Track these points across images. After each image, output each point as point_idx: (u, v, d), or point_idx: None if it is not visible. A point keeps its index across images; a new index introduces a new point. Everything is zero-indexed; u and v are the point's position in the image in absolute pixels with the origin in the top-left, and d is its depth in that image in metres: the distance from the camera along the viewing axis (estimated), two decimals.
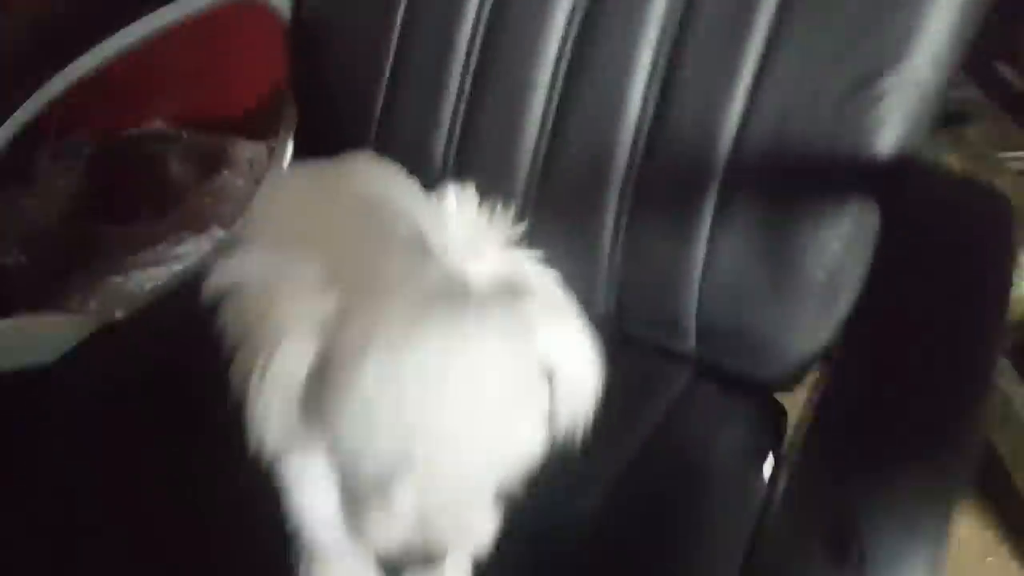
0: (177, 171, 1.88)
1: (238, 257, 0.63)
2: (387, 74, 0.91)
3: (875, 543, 0.47)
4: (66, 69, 0.81)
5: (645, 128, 0.81)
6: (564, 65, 0.84)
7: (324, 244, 0.60)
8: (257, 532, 0.67)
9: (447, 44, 0.87)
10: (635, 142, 0.82)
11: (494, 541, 0.56)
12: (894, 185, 0.70)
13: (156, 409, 0.77)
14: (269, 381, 0.52)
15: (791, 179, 0.78)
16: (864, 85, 0.72)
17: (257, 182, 1.61)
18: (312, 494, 0.63)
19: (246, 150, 1.88)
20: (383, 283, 0.53)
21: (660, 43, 0.79)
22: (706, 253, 0.82)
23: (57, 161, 1.81)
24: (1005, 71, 1.40)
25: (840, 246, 0.77)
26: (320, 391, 0.52)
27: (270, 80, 1.93)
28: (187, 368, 0.76)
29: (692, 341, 0.88)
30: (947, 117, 1.41)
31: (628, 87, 0.81)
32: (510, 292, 0.55)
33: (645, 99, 0.81)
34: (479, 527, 0.55)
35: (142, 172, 1.84)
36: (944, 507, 0.48)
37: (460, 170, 0.87)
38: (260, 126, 1.82)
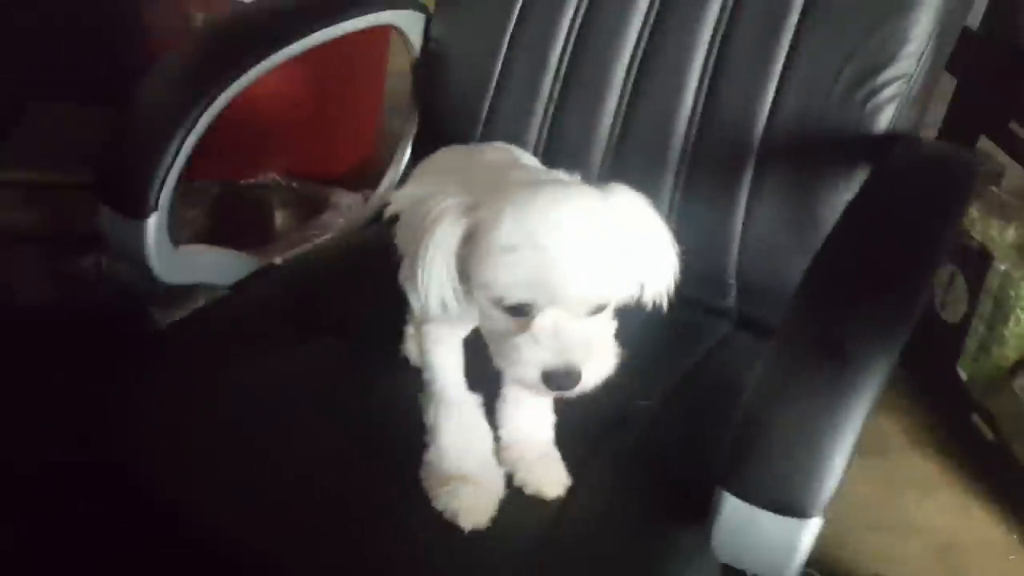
0: (283, 213, 2.12)
1: (404, 189, 0.85)
2: (493, 85, 1.15)
3: (852, 349, 0.66)
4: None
5: (697, 117, 1.05)
6: (634, 69, 1.08)
7: (463, 181, 0.81)
8: (385, 403, 0.88)
9: (542, 59, 1.12)
10: (688, 129, 1.05)
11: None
12: (886, 152, 0.92)
13: (296, 324, 0.99)
14: (431, 250, 0.69)
15: (810, 155, 0.99)
16: (867, 78, 0.95)
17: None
18: (444, 353, 0.84)
19: (345, 197, 2.10)
20: (509, 187, 0.71)
21: (710, 47, 1.04)
22: (744, 219, 1.03)
23: (187, 198, 2.06)
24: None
25: None
26: (470, 254, 0.68)
27: (368, 141, 2.21)
28: (328, 299, 1.00)
29: (733, 297, 1.08)
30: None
31: (684, 85, 1.05)
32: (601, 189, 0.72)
33: (697, 93, 1.05)
34: (603, 354, 0.68)
35: (253, 212, 2.08)
36: (898, 329, 0.68)
37: (548, 158, 1.10)
38: (358, 179, 2.08)
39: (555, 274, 0.65)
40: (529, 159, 0.96)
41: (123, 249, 0.94)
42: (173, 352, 0.96)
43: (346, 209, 2.08)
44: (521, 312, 0.67)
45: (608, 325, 0.71)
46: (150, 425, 0.87)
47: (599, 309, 0.68)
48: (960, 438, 1.65)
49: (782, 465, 0.64)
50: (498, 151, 0.96)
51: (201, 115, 0.92)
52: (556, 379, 0.66)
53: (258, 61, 0.97)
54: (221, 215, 2.03)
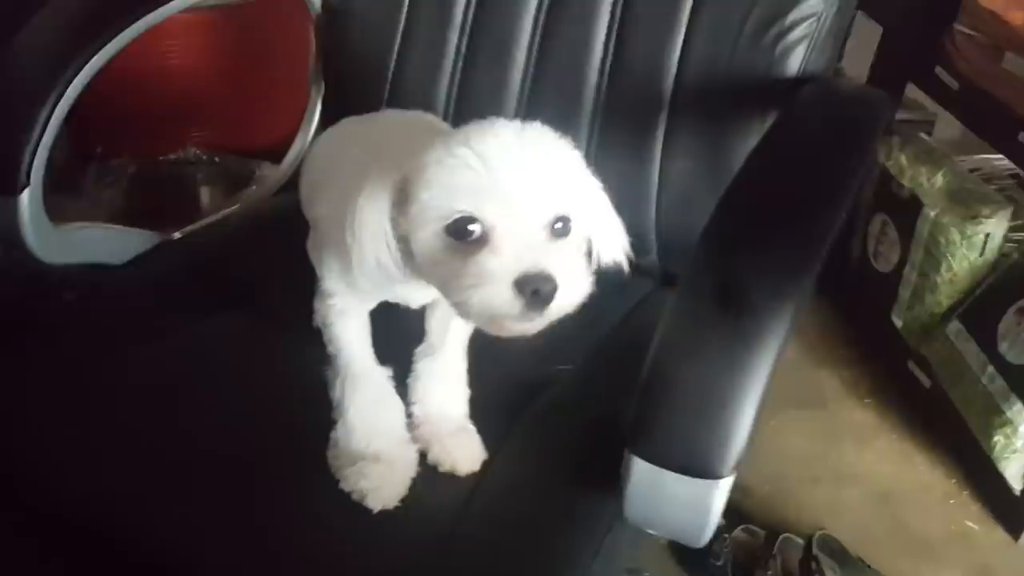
0: (209, 189, 2.04)
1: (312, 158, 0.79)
2: (397, 44, 1.10)
3: (750, 297, 0.63)
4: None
5: (607, 68, 1.01)
6: (542, 21, 1.04)
7: (383, 145, 0.77)
8: (293, 378, 0.83)
9: (446, 13, 1.06)
10: (600, 80, 1.01)
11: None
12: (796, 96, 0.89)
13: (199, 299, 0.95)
14: (362, 208, 0.65)
15: (722, 103, 0.96)
16: (775, 19, 0.92)
17: None
18: (349, 325, 0.80)
19: (274, 171, 2.03)
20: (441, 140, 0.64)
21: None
22: (660, 172, 1.00)
23: (102, 178, 1.98)
24: None
25: None
26: (402, 204, 0.64)
27: (296, 111, 2.13)
28: (233, 271, 0.94)
29: (654, 254, 1.05)
30: None
31: (593, 34, 1.01)
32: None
33: (606, 43, 1.01)
34: (575, 270, 0.62)
35: (175, 190, 2.00)
36: (801, 279, 0.65)
37: (458, 115, 1.05)
38: (286, 152, 2.01)
39: (498, 175, 0.60)
40: (442, 124, 0.91)
41: None
42: (59, 338, 0.90)
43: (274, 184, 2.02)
44: (470, 235, 0.60)
45: (576, 253, 0.64)
46: (31, 420, 0.81)
47: (559, 226, 0.62)
48: (897, 386, 1.66)
49: (687, 425, 0.61)
50: (407, 116, 0.92)
51: (71, 80, 0.85)
52: (530, 283, 0.58)
53: (131, 21, 0.90)
54: (140, 194, 1.95)
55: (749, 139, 0.94)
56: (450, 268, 0.62)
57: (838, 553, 1.31)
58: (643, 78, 0.98)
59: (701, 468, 0.60)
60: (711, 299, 0.62)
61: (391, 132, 0.85)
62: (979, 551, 1.41)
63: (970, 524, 1.46)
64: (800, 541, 1.32)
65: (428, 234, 0.62)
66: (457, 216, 0.60)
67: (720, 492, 0.61)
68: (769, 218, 0.67)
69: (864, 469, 1.54)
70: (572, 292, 0.61)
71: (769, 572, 1.28)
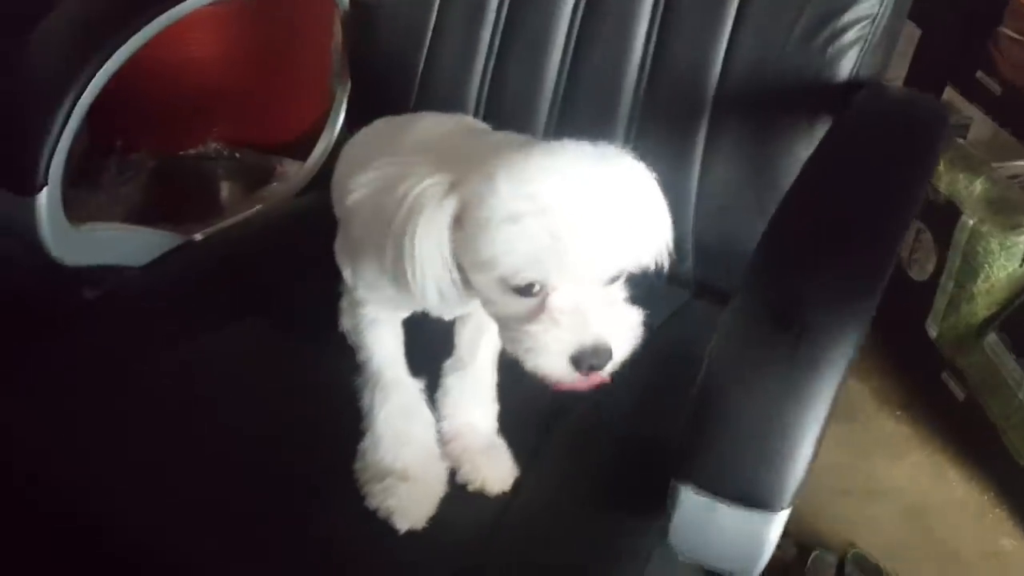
0: (229, 185, 2.02)
1: (364, 174, 0.70)
2: (427, 41, 1.06)
3: (812, 319, 0.59)
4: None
5: (647, 67, 0.96)
6: (579, 18, 0.99)
7: (426, 152, 0.71)
8: (318, 388, 0.80)
9: (479, 7, 1.02)
10: (639, 80, 0.97)
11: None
12: (849, 102, 0.84)
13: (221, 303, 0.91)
14: (421, 238, 0.60)
15: (768, 107, 0.92)
16: (827, 21, 0.87)
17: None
18: (381, 333, 0.77)
19: (294, 167, 2.00)
20: (489, 153, 0.62)
21: None
22: (699, 178, 0.96)
23: (122, 171, 1.95)
24: None
25: None
26: (462, 235, 0.60)
27: (317, 106, 2.10)
28: (254, 275, 0.91)
29: (690, 263, 1.01)
30: None
31: (632, 32, 0.96)
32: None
33: (647, 41, 0.96)
34: (629, 324, 0.61)
35: (195, 185, 1.98)
36: (866, 299, 0.61)
37: (489, 116, 1.02)
38: (307, 148, 1.98)
39: (567, 245, 0.57)
40: (483, 127, 0.87)
41: (13, 230, 0.84)
42: (76, 340, 0.87)
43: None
44: (530, 291, 0.59)
45: (622, 293, 0.63)
46: (43, 423, 0.78)
47: (615, 279, 0.61)
48: (930, 398, 1.61)
49: (742, 454, 0.57)
50: (447, 119, 0.87)
51: (90, 79, 0.82)
52: (586, 360, 0.58)
53: (150, 19, 0.86)
54: (159, 190, 1.93)
55: (795, 147, 0.89)
56: (508, 316, 0.61)
57: (871, 572, 1.27)
58: (684, 80, 0.93)
59: (757, 500, 0.57)
60: (769, 319, 0.58)
61: (438, 136, 0.81)
62: (1013, 570, 1.36)
63: (1004, 542, 1.41)
64: (832, 559, 1.28)
65: (487, 280, 0.60)
66: (519, 282, 0.59)
67: (776, 525, 0.57)
68: (831, 232, 0.63)
69: (896, 483, 1.49)
70: (625, 348, 0.61)
71: None
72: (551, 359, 0.59)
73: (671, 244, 0.65)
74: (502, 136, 0.75)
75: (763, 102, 0.92)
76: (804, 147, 0.89)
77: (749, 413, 0.57)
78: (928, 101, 0.81)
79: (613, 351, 0.59)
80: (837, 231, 0.63)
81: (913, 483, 1.50)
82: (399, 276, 0.62)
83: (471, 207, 0.59)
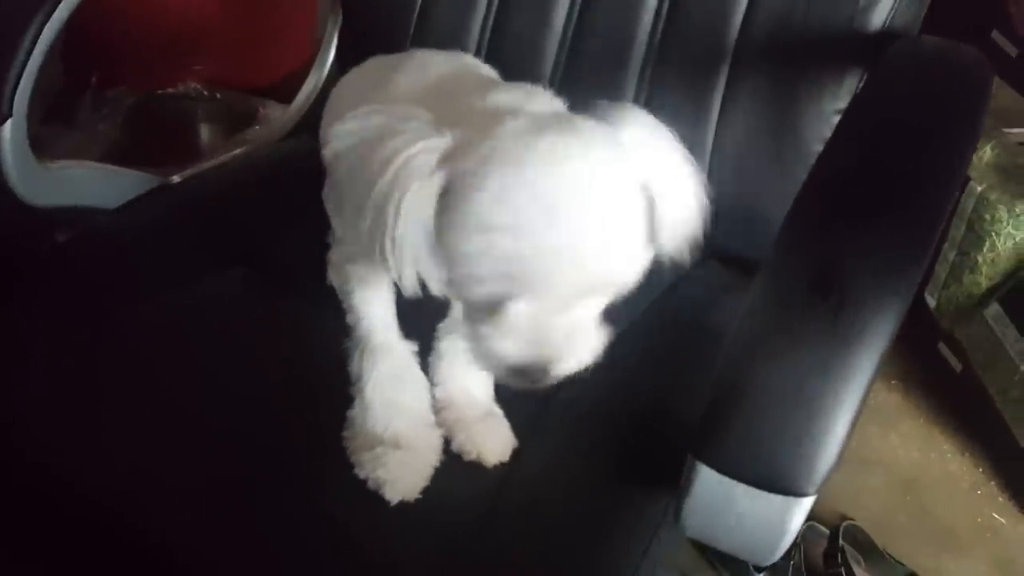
0: (208, 127, 1.94)
1: (348, 122, 0.61)
2: None
3: (853, 286, 0.54)
4: None
5: (664, 10, 0.90)
6: None
7: (422, 100, 0.65)
8: (304, 344, 0.74)
9: None
10: (655, 23, 0.91)
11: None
12: (880, 54, 0.78)
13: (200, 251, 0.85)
14: (403, 218, 0.54)
15: (793, 58, 0.86)
16: None
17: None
18: (371, 294, 0.71)
19: (277, 110, 1.93)
20: (492, 118, 0.55)
21: None
22: (716, 131, 0.90)
23: (98, 109, 1.87)
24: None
25: (838, 118, 0.84)
26: (444, 215, 0.54)
27: (304, 46, 2.02)
28: (236, 222, 0.84)
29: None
30: None
31: None
32: (609, 122, 0.56)
33: None
34: (585, 344, 0.57)
35: (174, 126, 1.90)
36: (913, 266, 0.55)
37: (492, 58, 0.95)
38: (292, 90, 1.90)
39: (536, 269, 0.52)
40: (487, 70, 0.80)
41: None
42: (47, 286, 0.81)
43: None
44: (494, 298, 0.55)
45: (595, 309, 0.58)
46: (12, 373, 0.72)
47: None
48: (925, 368, 1.59)
49: (769, 434, 0.52)
50: (447, 59, 0.80)
51: (59, 1, 0.74)
52: (529, 374, 0.56)
53: None
54: (136, 130, 1.85)
55: (822, 100, 0.84)
56: (468, 307, 0.58)
57: (863, 544, 1.24)
58: (704, 26, 0.87)
59: (782, 484, 0.52)
60: (806, 287, 0.53)
61: (436, 81, 0.74)
62: (1004, 544, 1.35)
63: (996, 516, 1.40)
64: (824, 530, 1.25)
65: (451, 271, 0.55)
66: (481, 292, 0.54)
67: (801, 511, 0.53)
68: (874, 192, 0.57)
69: (888, 454, 1.47)
70: (572, 367, 0.57)
71: (792, 561, 1.21)
72: (491, 364, 0.57)
73: (705, 225, 0.60)
74: (509, 95, 0.65)
75: (788, 52, 0.86)
76: (831, 101, 0.84)
77: (779, 390, 0.52)
78: (970, 52, 0.75)
79: (557, 370, 0.56)
80: (881, 190, 0.58)
81: (906, 455, 1.48)
82: (374, 249, 0.56)
83: (456, 190, 0.53)
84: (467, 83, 0.73)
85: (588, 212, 0.52)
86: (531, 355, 0.55)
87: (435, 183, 0.54)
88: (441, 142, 0.54)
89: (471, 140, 0.54)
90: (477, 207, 0.52)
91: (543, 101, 0.64)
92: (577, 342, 0.57)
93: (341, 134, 0.61)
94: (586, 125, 0.56)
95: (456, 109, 0.61)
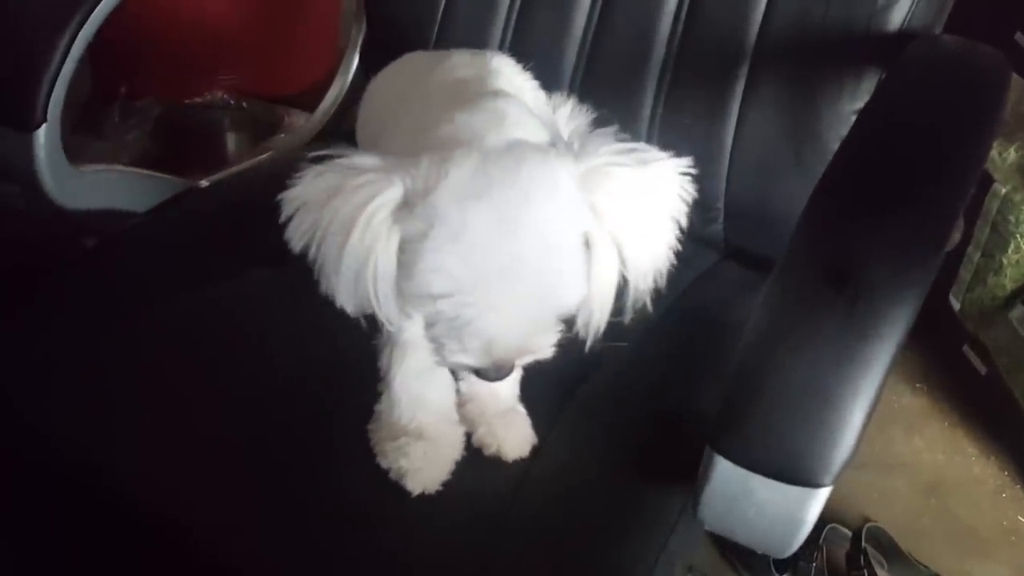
0: (235, 136, 1.97)
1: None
2: None
3: (868, 279, 0.55)
4: None
5: (683, 14, 0.91)
6: None
7: (415, 109, 0.69)
8: (328, 346, 0.76)
9: None
10: (673, 28, 0.92)
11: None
12: (899, 54, 0.79)
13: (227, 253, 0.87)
14: (381, 273, 0.58)
15: (813, 58, 0.86)
16: None
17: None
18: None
19: (301, 118, 1.95)
20: (442, 157, 0.57)
21: None
22: (736, 130, 0.90)
23: (126, 119, 1.91)
24: None
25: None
26: (403, 266, 0.57)
27: (327, 56, 2.04)
28: (262, 224, 0.86)
29: (720, 223, 0.96)
30: None
31: None
32: (573, 156, 0.58)
33: None
34: (540, 347, 0.60)
35: (201, 135, 1.93)
36: (928, 259, 0.56)
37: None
38: (316, 98, 1.92)
39: (480, 300, 0.56)
40: (508, 70, 0.81)
41: (13, 172, 0.80)
42: (77, 287, 0.83)
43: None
44: (454, 322, 0.58)
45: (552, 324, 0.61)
46: (42, 373, 0.74)
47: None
48: (950, 371, 1.57)
49: (786, 425, 0.53)
50: (469, 63, 0.81)
51: (93, 7, 0.76)
52: (485, 375, 0.60)
53: None
54: (163, 139, 1.89)
55: (840, 100, 0.84)
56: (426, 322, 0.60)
57: (886, 547, 1.24)
58: (723, 26, 0.88)
59: (799, 475, 0.53)
60: (821, 280, 0.54)
61: (454, 85, 0.76)
62: None
63: (1021, 520, 1.39)
64: (847, 532, 1.25)
65: (414, 304, 0.59)
66: (433, 309, 0.57)
67: (818, 503, 0.53)
68: (890, 187, 0.58)
69: (912, 457, 1.46)
70: (531, 361, 0.61)
71: (814, 563, 1.21)
72: (451, 364, 0.60)
73: (661, 272, 0.60)
74: (474, 119, 0.66)
75: (807, 52, 0.86)
76: (849, 101, 0.84)
77: (796, 382, 0.53)
78: (989, 52, 0.75)
79: (516, 365, 0.60)
80: (897, 186, 0.59)
81: (930, 457, 1.47)
82: (357, 300, 0.60)
83: (411, 243, 0.57)
84: (459, 95, 0.74)
85: (523, 260, 0.55)
86: (484, 362, 0.59)
87: (394, 240, 0.57)
88: (393, 194, 0.57)
89: (418, 189, 0.56)
90: (428, 258, 0.55)
91: (507, 126, 0.65)
92: (531, 350, 0.60)
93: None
94: (529, 169, 0.57)
95: (424, 134, 0.64)
